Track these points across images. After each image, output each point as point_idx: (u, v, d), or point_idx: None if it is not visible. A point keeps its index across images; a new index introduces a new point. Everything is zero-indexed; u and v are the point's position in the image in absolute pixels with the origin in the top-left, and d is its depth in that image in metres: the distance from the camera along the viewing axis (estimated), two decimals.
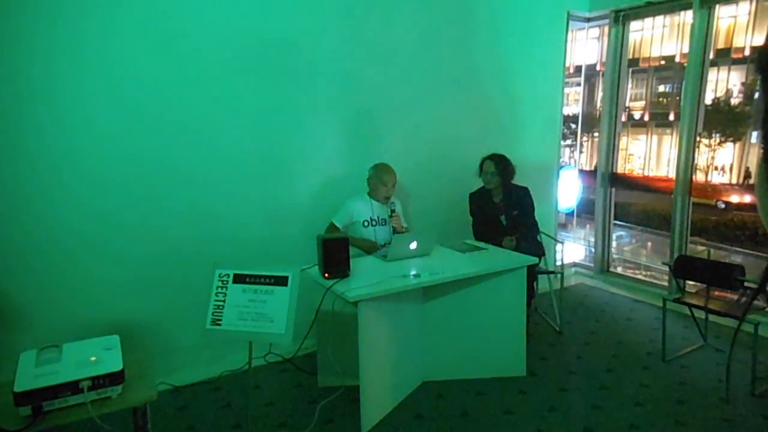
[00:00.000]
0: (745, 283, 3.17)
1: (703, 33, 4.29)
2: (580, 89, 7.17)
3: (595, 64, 10.29)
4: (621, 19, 4.90)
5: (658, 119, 18.26)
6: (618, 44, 4.98)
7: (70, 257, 2.91)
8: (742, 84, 15.86)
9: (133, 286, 3.10)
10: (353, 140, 3.79)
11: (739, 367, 3.33)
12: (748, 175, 15.15)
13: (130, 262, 3.08)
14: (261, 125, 3.42)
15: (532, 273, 3.77)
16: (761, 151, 0.75)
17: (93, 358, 1.89)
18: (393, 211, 3.51)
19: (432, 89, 4.12)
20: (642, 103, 18.63)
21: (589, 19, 5.11)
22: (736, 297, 3.41)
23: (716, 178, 15.87)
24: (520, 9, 4.52)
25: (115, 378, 1.85)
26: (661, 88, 18.56)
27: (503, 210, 3.92)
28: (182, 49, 3.09)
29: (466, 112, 4.33)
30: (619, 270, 5.51)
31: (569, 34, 4.93)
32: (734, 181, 15.65)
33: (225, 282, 2.44)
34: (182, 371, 3.22)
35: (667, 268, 4.24)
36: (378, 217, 3.55)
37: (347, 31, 3.64)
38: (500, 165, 3.83)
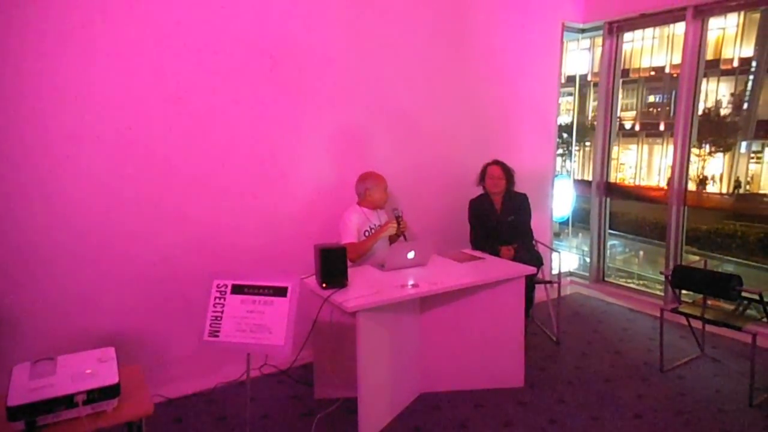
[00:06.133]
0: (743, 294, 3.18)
1: (696, 44, 4.34)
2: (572, 99, 7.22)
3: (586, 75, 10.38)
4: (615, 30, 4.95)
5: (649, 129, 18.43)
6: (612, 55, 5.02)
7: (63, 268, 2.86)
8: (731, 95, 16.06)
9: (128, 296, 3.05)
10: (349, 148, 3.78)
11: (736, 378, 3.34)
12: (737, 185, 15.31)
13: (124, 272, 3.03)
14: (255, 133, 3.39)
15: (530, 283, 3.77)
16: None
17: (88, 371, 1.85)
18: (399, 216, 3.47)
19: (427, 99, 4.12)
20: (633, 113, 18.81)
21: (583, 31, 5.15)
22: (732, 307, 3.41)
23: (707, 188, 16.01)
24: (516, 20, 4.55)
25: (110, 391, 1.82)
26: (651, 99, 18.76)
27: (503, 216, 3.93)
28: (178, 56, 3.07)
29: (462, 121, 4.34)
30: (612, 279, 5.51)
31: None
32: (724, 190, 15.79)
33: (223, 293, 2.41)
34: (176, 383, 3.17)
35: (661, 278, 4.24)
36: (376, 225, 3.53)
37: (343, 39, 3.64)
38: (505, 169, 3.94)
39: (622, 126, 18.45)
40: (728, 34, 15.90)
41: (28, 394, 1.71)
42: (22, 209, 2.74)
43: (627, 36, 5.13)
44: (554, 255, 4.82)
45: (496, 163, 3.97)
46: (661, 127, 17.77)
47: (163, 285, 3.14)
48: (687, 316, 3.46)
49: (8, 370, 1.86)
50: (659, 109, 18.38)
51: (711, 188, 15.91)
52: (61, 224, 2.84)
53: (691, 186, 5.34)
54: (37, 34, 2.67)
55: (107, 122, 2.91)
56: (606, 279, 5.39)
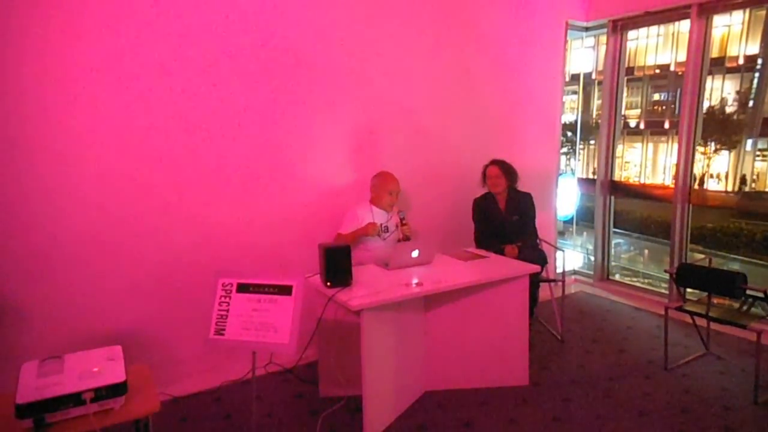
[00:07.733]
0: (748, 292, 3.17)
1: (700, 42, 4.33)
2: (576, 97, 7.22)
3: (590, 73, 10.37)
4: (619, 28, 4.94)
5: (654, 127, 18.36)
6: (616, 53, 5.01)
7: (71, 267, 2.89)
8: (737, 92, 15.97)
9: (135, 295, 3.08)
10: (354, 148, 3.79)
11: (742, 376, 3.33)
12: (743, 183, 15.22)
13: (131, 272, 3.06)
14: (263, 134, 3.41)
15: (535, 281, 3.77)
16: None
17: (95, 369, 1.87)
18: (403, 218, 3.50)
19: (433, 98, 4.13)
20: (637, 111, 18.73)
21: (587, 29, 5.14)
22: (737, 305, 3.40)
23: (712, 186, 15.93)
24: (520, 18, 4.55)
25: (117, 389, 1.84)
26: (656, 97, 18.67)
27: (508, 215, 3.94)
28: (186, 55, 3.08)
29: (467, 120, 4.34)
30: (617, 277, 5.51)
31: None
32: (729, 188, 15.71)
33: (228, 291, 2.42)
34: (182, 381, 3.18)
35: (666, 276, 4.24)
36: (381, 225, 3.54)
37: (348, 39, 3.65)
38: (504, 168, 3.95)
39: (626, 124, 18.37)
40: (733, 32, 15.80)
41: (37, 391, 1.73)
42: (31, 209, 2.76)
43: (631, 34, 5.12)
44: (558, 253, 4.81)
45: (494, 163, 3.99)
46: (666, 125, 17.69)
47: (169, 284, 3.16)
48: (692, 314, 3.45)
49: (17, 368, 1.89)
50: (664, 107, 18.28)
51: (716, 186, 15.83)
52: (69, 224, 2.87)
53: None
54: (43, 31, 2.69)
55: (116, 124, 2.94)
56: (610, 277, 5.39)
